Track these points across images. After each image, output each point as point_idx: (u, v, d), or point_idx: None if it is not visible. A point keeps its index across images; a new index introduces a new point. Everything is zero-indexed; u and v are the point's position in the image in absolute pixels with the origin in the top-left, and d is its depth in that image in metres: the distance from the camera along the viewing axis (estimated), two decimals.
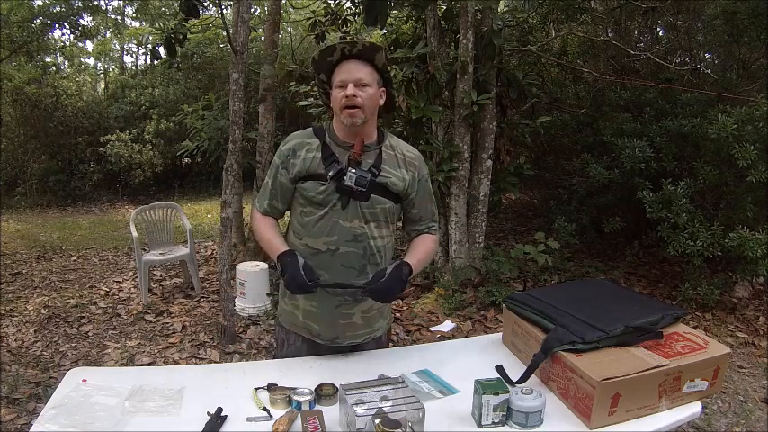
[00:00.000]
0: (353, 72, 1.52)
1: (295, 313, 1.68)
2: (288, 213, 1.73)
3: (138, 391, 1.42)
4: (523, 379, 1.42)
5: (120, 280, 4.96)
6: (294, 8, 8.15)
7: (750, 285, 4.17)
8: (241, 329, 3.73)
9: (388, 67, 1.62)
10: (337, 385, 1.37)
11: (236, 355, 3.37)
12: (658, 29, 5.92)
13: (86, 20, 9.75)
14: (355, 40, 1.60)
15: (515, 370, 1.47)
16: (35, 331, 3.75)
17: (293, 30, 9.75)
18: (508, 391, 1.30)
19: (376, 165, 1.59)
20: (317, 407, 1.37)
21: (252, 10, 5.05)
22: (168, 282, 4.83)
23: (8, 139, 9.36)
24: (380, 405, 1.25)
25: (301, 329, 1.68)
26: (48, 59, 10.27)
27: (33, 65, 9.54)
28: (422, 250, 1.68)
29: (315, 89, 4.64)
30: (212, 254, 5.76)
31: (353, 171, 1.53)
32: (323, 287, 1.54)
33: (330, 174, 1.54)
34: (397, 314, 3.95)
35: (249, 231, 5.10)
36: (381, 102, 1.61)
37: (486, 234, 4.55)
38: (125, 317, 4.02)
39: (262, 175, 5.09)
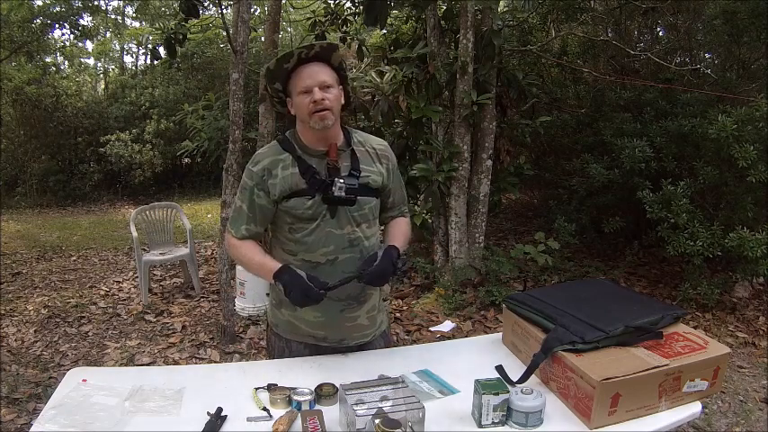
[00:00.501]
0: (315, 75, 1.48)
1: (296, 323, 1.64)
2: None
3: (138, 391, 1.42)
4: (523, 379, 1.42)
5: (120, 280, 4.96)
6: (294, 8, 8.13)
7: (750, 285, 4.17)
8: (241, 329, 3.73)
9: (344, 64, 1.59)
10: (337, 385, 1.37)
11: (236, 355, 3.37)
12: (658, 29, 5.92)
13: (86, 20, 9.78)
14: (312, 43, 1.56)
15: (515, 370, 1.47)
16: (35, 331, 3.75)
17: (293, 30, 9.75)
18: (508, 391, 1.30)
19: (354, 166, 1.56)
20: (317, 407, 1.37)
21: (252, 10, 5.04)
22: (168, 282, 4.83)
23: (8, 139, 9.37)
24: (380, 405, 1.25)
25: (305, 337, 1.65)
26: (48, 59, 10.28)
27: (33, 65, 9.55)
28: (401, 233, 1.68)
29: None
30: (212, 254, 5.76)
31: (342, 181, 1.50)
32: (331, 290, 1.49)
33: (314, 188, 1.51)
34: (397, 314, 3.95)
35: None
36: (343, 100, 1.58)
37: (486, 234, 4.55)
38: (125, 317, 4.03)
39: None
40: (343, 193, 1.50)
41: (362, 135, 1.67)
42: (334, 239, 1.54)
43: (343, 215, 1.54)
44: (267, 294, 4.04)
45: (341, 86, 1.57)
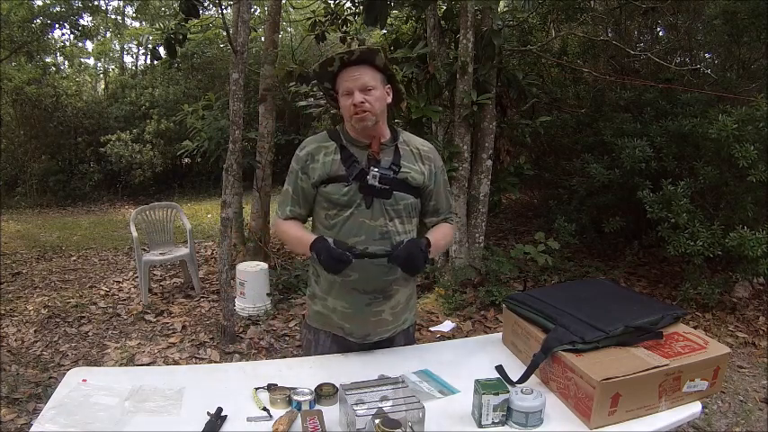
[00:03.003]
0: (357, 78, 1.54)
1: (326, 313, 1.68)
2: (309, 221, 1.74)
3: (138, 391, 1.42)
4: (523, 379, 1.42)
5: (120, 280, 4.96)
6: (294, 8, 8.14)
7: (750, 285, 4.17)
8: (241, 329, 3.73)
9: (389, 65, 1.62)
10: (337, 385, 1.37)
11: (236, 355, 3.37)
12: (658, 29, 5.92)
13: (86, 20, 9.76)
14: (352, 48, 1.60)
15: (515, 370, 1.47)
16: (35, 331, 3.75)
17: (293, 30, 9.74)
18: (508, 391, 1.30)
19: (395, 161, 1.60)
20: (317, 407, 1.37)
21: (252, 10, 5.04)
22: (168, 282, 4.83)
23: (8, 139, 9.36)
24: (380, 405, 1.25)
25: (334, 328, 1.69)
26: (48, 59, 10.26)
27: (33, 65, 9.54)
28: (438, 232, 1.70)
29: (315, 89, 4.64)
30: (212, 254, 5.76)
31: (376, 170, 1.55)
32: (359, 257, 1.53)
33: (352, 174, 1.56)
34: None
35: (249, 231, 5.10)
36: (389, 99, 1.62)
37: (486, 234, 4.55)
38: (125, 317, 4.02)
39: (262, 174, 5.09)
40: (377, 183, 1.54)
41: (409, 136, 1.72)
42: (366, 230, 1.57)
43: (377, 207, 1.57)
44: (267, 294, 4.06)
45: (387, 86, 1.61)
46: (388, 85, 1.62)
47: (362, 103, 1.53)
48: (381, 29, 4.84)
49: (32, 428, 1.27)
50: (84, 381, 1.46)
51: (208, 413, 1.31)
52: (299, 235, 1.64)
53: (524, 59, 5.60)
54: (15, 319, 3.96)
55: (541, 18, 5.71)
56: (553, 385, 1.43)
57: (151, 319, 3.95)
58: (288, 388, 1.40)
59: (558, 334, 1.42)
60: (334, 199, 1.58)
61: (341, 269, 1.51)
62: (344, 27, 5.59)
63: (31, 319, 3.95)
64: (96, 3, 10.02)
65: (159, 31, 4.65)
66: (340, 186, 1.57)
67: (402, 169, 1.60)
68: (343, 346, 1.69)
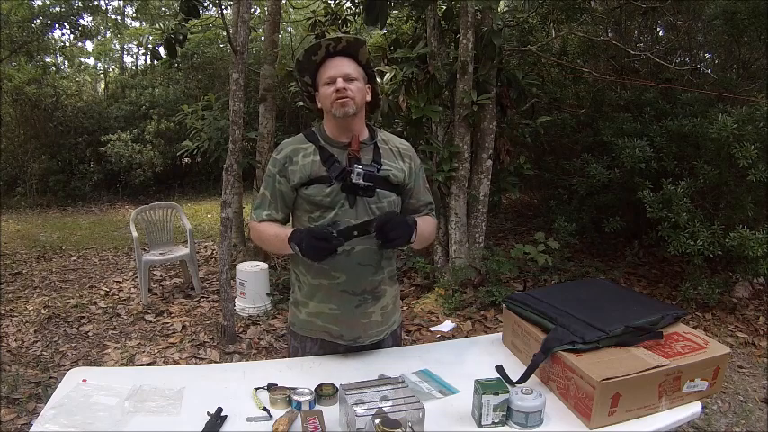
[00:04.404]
0: (340, 67, 1.53)
1: (312, 320, 1.65)
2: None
3: (138, 391, 1.42)
4: (523, 379, 1.42)
5: (120, 280, 4.96)
6: (294, 8, 8.14)
7: (750, 285, 4.17)
8: (241, 329, 3.73)
9: (371, 63, 1.61)
10: (337, 385, 1.37)
11: (236, 355, 3.37)
12: (658, 29, 5.92)
13: (86, 20, 9.78)
14: (339, 36, 1.59)
15: (515, 370, 1.47)
16: (35, 331, 3.75)
17: (293, 30, 9.75)
18: (508, 391, 1.30)
19: (376, 159, 1.59)
20: (317, 407, 1.37)
21: (252, 10, 5.04)
22: (168, 282, 4.84)
23: (8, 139, 9.36)
24: (380, 405, 1.25)
25: (321, 333, 1.65)
26: (48, 59, 10.27)
27: (33, 65, 9.55)
28: (422, 221, 1.64)
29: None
30: (212, 254, 5.76)
31: (360, 167, 1.52)
32: (344, 234, 1.45)
33: (334, 174, 1.53)
34: None
35: (249, 231, 5.10)
36: (368, 98, 1.61)
37: (486, 234, 4.55)
38: (125, 317, 4.03)
39: (262, 175, 5.09)
40: (361, 180, 1.51)
41: (387, 135, 1.71)
42: None
43: (361, 206, 1.55)
44: (267, 294, 4.06)
45: (367, 84, 1.60)
46: (368, 85, 1.61)
47: (345, 89, 1.50)
48: (381, 29, 4.84)
49: (32, 428, 1.27)
50: (84, 381, 1.46)
51: (208, 413, 1.31)
52: (276, 232, 1.58)
53: (524, 59, 5.59)
54: (15, 319, 3.96)
55: (541, 18, 5.70)
56: (553, 385, 1.43)
57: (151, 319, 3.95)
58: (288, 388, 1.40)
59: (558, 334, 1.42)
60: (317, 201, 1.54)
61: (328, 251, 1.41)
62: (344, 27, 5.58)
63: (31, 319, 3.95)
64: (96, 3, 10.02)
65: (159, 31, 4.65)
66: (322, 187, 1.54)
67: (383, 167, 1.58)
68: (332, 350, 1.66)
